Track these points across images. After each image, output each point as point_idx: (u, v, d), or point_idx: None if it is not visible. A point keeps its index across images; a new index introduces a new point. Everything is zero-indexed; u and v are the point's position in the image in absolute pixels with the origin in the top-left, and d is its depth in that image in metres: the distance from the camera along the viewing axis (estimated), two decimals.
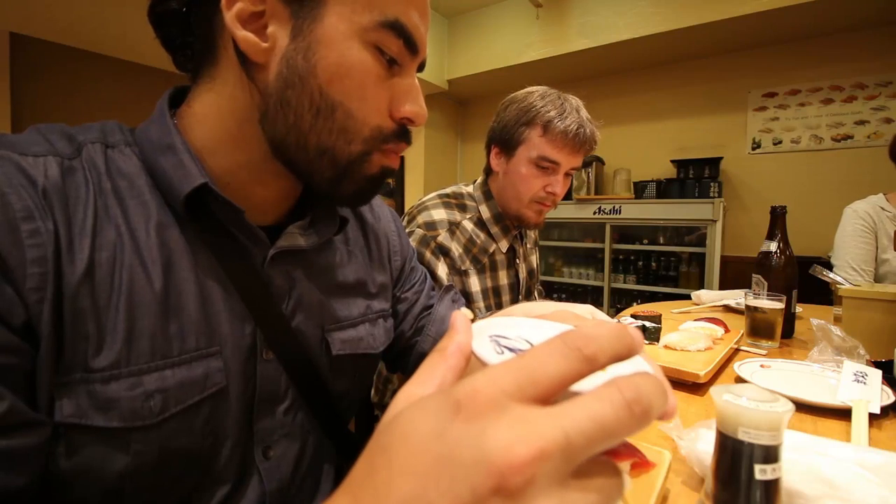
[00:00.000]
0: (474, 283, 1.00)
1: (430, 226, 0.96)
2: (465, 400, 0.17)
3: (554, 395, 0.18)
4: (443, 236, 0.95)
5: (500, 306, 1.06)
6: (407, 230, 0.96)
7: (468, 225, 1.01)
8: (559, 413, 0.16)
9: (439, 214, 0.98)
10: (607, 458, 0.19)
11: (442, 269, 0.94)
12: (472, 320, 0.25)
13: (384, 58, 0.41)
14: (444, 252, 0.95)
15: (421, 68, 0.45)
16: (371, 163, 0.43)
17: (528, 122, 0.97)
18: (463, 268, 0.98)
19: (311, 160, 0.41)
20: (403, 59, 0.42)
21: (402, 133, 0.44)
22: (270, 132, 0.41)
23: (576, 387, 0.18)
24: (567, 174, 1.02)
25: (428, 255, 0.93)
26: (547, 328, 0.28)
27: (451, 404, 0.17)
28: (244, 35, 0.38)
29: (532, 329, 0.28)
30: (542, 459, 0.15)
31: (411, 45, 0.41)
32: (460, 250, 0.97)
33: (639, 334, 0.19)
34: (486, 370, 0.18)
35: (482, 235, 1.03)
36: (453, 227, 0.98)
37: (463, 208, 1.03)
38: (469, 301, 0.99)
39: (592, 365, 0.18)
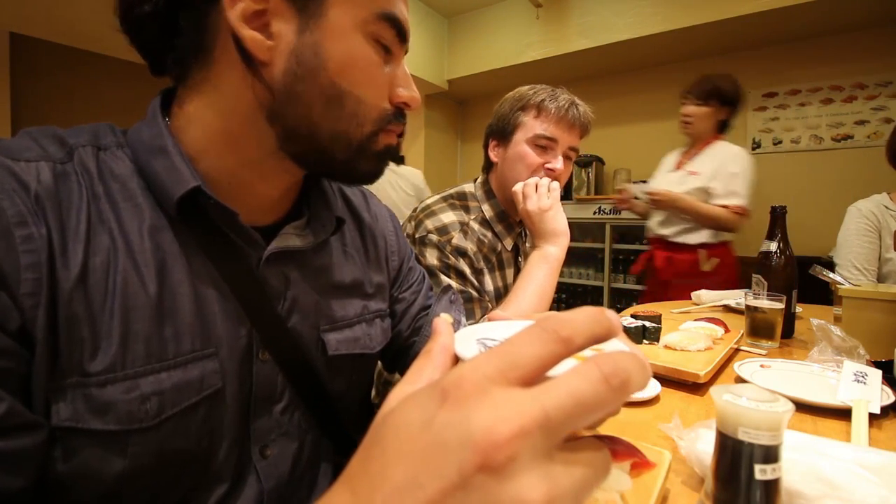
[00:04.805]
0: (488, 283, 1.00)
1: (442, 230, 0.95)
2: (450, 388, 0.18)
3: (535, 377, 0.18)
4: (457, 238, 0.95)
5: None
6: (417, 235, 0.96)
7: (475, 225, 1.00)
8: (539, 392, 0.17)
9: (448, 217, 0.98)
10: (593, 437, 0.19)
11: (466, 270, 0.93)
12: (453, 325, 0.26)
13: (382, 47, 0.43)
14: (462, 253, 0.94)
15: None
16: (378, 142, 0.45)
17: (523, 108, 1.01)
18: (479, 266, 0.97)
19: (323, 147, 0.43)
20: (395, 47, 0.44)
21: (399, 115, 0.47)
22: (280, 126, 0.42)
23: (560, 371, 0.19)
24: (567, 157, 1.02)
25: (452, 259, 0.93)
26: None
27: (437, 394, 0.18)
28: (251, 34, 0.38)
29: (516, 328, 0.28)
30: (522, 436, 0.16)
31: (402, 35, 0.44)
32: (474, 249, 0.97)
33: (616, 317, 0.20)
34: (470, 360, 0.19)
35: (489, 234, 1.02)
36: (464, 227, 0.98)
37: (467, 209, 1.03)
38: (484, 300, 0.98)
39: (569, 346, 0.19)
